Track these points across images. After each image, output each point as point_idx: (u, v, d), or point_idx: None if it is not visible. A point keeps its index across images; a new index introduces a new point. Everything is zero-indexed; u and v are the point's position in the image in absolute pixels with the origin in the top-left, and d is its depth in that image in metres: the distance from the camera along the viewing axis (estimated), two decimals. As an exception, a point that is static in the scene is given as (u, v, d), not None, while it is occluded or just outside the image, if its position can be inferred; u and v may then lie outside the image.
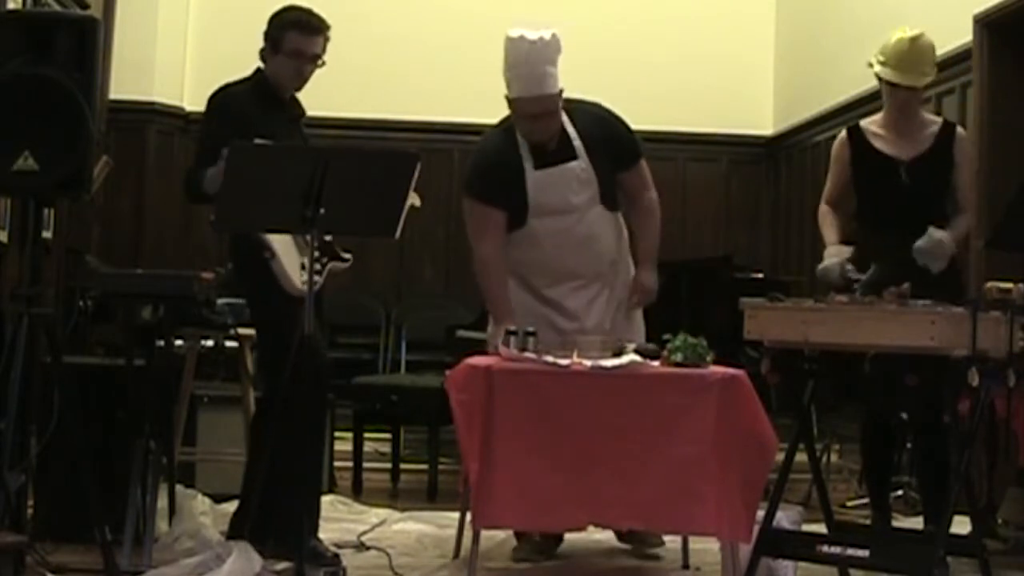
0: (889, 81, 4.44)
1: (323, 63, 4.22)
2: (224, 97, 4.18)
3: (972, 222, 4.44)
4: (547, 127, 4.24)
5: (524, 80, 4.15)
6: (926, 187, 4.43)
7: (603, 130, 4.35)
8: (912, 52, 4.44)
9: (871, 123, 4.61)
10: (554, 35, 4.19)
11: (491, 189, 4.31)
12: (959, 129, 4.61)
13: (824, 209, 4.63)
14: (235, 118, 4.03)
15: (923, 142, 4.49)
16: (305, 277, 3.79)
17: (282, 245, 4.00)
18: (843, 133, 4.66)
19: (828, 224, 4.58)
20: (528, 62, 4.15)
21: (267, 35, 4.21)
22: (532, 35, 4.17)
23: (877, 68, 4.46)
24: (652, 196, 4.47)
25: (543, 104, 4.18)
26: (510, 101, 4.23)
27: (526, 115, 4.21)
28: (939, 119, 4.68)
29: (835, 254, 4.32)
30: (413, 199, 4.43)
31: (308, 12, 4.24)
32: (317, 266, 3.99)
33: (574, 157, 4.30)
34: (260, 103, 4.16)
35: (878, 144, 4.52)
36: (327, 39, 4.23)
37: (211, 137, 4.01)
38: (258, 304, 4.22)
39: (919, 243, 4.24)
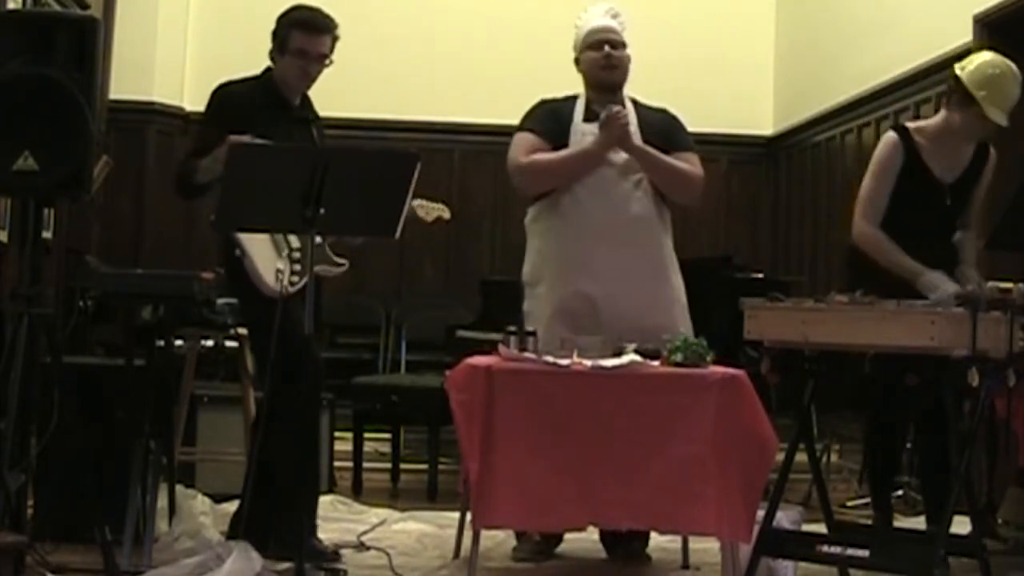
0: (991, 119, 4.24)
1: (331, 62, 4.21)
2: (224, 95, 4.19)
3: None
4: (621, 64, 4.39)
5: (604, 17, 4.41)
6: (964, 207, 4.41)
7: (661, 121, 4.45)
8: (1015, 91, 4.26)
9: (918, 132, 4.40)
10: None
11: (545, 124, 4.39)
12: (991, 148, 4.46)
13: (879, 236, 4.32)
14: (232, 117, 4.03)
15: (963, 161, 4.39)
16: (282, 278, 3.88)
17: (257, 245, 4.01)
18: (892, 137, 4.41)
19: (895, 250, 4.26)
20: (607, 9, 4.44)
21: (274, 35, 4.21)
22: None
23: (986, 107, 4.21)
24: (696, 171, 4.42)
25: (620, 36, 4.40)
26: (584, 46, 4.38)
27: (603, 42, 4.35)
28: None
29: (940, 281, 4.06)
30: (442, 211, 4.48)
31: (314, 11, 4.23)
32: (298, 267, 4.01)
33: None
34: (262, 103, 4.15)
35: (926, 159, 4.36)
36: (335, 39, 4.22)
37: (206, 133, 4.02)
38: (244, 306, 4.23)
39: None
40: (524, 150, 4.36)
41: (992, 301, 3.52)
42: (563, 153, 4.32)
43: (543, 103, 4.48)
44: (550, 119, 4.40)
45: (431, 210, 4.47)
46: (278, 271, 3.99)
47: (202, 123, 4.14)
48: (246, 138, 3.84)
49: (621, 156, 4.31)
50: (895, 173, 4.37)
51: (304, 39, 4.16)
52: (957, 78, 4.31)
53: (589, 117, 4.36)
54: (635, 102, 4.46)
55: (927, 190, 4.36)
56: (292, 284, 4.00)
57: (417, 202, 4.38)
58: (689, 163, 4.42)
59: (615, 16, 4.46)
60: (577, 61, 4.43)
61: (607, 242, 4.27)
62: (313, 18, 4.20)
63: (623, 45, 4.41)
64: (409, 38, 8.77)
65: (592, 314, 4.20)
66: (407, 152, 3.80)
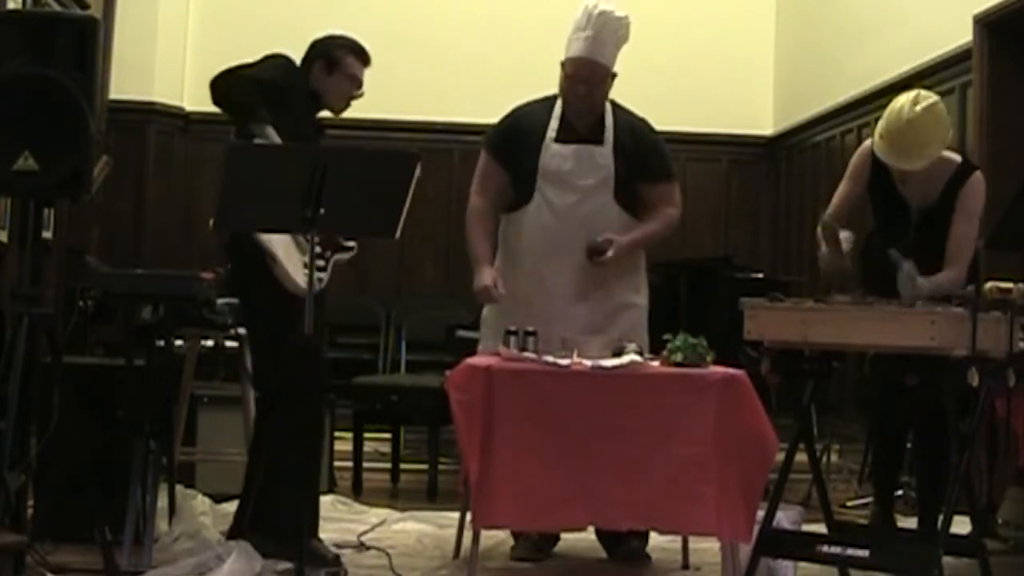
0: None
1: (362, 94, 4.34)
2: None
3: (957, 277, 4.05)
4: (591, 96, 4.29)
5: (585, 43, 4.24)
6: (933, 239, 4.19)
7: (637, 141, 4.35)
8: (910, 133, 4.08)
9: None
10: (628, 21, 4.31)
11: (505, 148, 4.40)
12: (974, 175, 4.26)
13: (823, 225, 4.29)
14: (279, 103, 4.04)
15: (935, 188, 4.22)
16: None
17: (283, 247, 3.99)
18: (866, 143, 4.37)
19: (824, 238, 4.23)
20: (595, 28, 4.24)
21: (321, 54, 4.26)
22: (608, 8, 4.26)
23: (876, 140, 4.17)
24: (672, 212, 4.41)
25: (594, 71, 4.25)
26: (564, 63, 4.28)
27: (575, 77, 4.26)
28: (957, 159, 4.31)
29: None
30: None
31: (359, 43, 4.35)
32: (321, 262, 4.00)
33: (599, 144, 4.32)
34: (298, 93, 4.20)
35: (895, 175, 4.23)
36: None
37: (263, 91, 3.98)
38: (255, 304, 4.18)
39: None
40: (479, 183, 4.45)
41: (992, 301, 3.52)
42: (474, 246, 4.34)
43: (514, 112, 4.47)
44: (514, 140, 4.37)
45: None
46: (305, 265, 3.91)
47: (271, 73, 4.17)
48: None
49: (588, 181, 4.29)
50: (863, 178, 4.37)
51: (357, 66, 4.30)
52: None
53: (562, 136, 4.32)
54: (616, 107, 4.39)
55: (892, 210, 4.32)
56: (320, 281, 4.01)
57: None
58: (666, 197, 4.39)
59: (605, 34, 4.25)
60: (562, 64, 4.32)
61: (558, 261, 4.28)
62: (363, 49, 4.33)
63: (600, 79, 4.27)
64: (409, 38, 8.76)
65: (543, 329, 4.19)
66: (407, 152, 3.80)
